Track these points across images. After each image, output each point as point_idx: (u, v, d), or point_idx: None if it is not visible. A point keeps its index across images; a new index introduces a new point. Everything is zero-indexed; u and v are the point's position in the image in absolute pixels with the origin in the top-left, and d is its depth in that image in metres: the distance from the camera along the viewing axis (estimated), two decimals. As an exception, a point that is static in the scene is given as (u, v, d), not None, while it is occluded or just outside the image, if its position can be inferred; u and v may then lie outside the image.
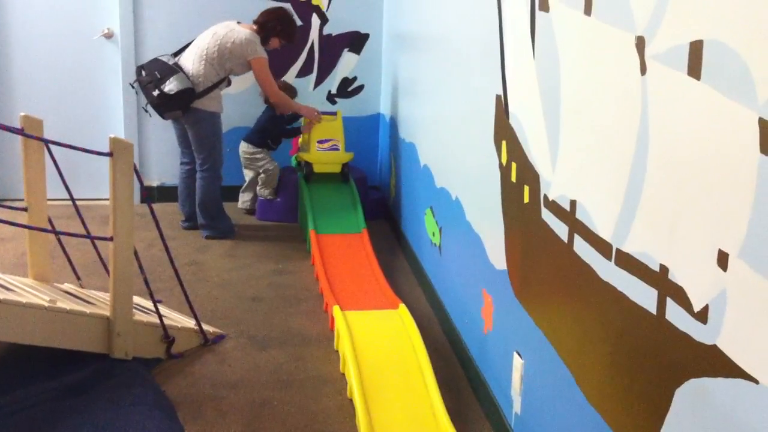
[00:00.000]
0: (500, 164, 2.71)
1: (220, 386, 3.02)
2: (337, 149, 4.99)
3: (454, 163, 3.44)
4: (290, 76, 5.40)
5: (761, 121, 1.28)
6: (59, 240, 3.41)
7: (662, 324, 1.62)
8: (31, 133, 3.05)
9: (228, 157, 5.04)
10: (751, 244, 1.32)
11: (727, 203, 1.38)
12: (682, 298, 1.54)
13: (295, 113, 5.04)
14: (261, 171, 5.12)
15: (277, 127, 5.07)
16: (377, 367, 3.01)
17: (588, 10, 1.95)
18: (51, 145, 3.05)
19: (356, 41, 5.49)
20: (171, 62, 4.55)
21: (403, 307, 3.47)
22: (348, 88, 5.56)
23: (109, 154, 2.82)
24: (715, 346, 1.43)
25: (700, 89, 1.45)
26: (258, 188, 5.20)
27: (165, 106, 4.48)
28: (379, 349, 3.15)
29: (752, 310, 1.32)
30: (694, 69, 1.47)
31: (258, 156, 5.09)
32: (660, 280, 1.62)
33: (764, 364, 1.30)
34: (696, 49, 1.46)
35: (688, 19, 1.50)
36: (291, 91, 5.19)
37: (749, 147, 1.31)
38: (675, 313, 1.57)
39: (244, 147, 5.14)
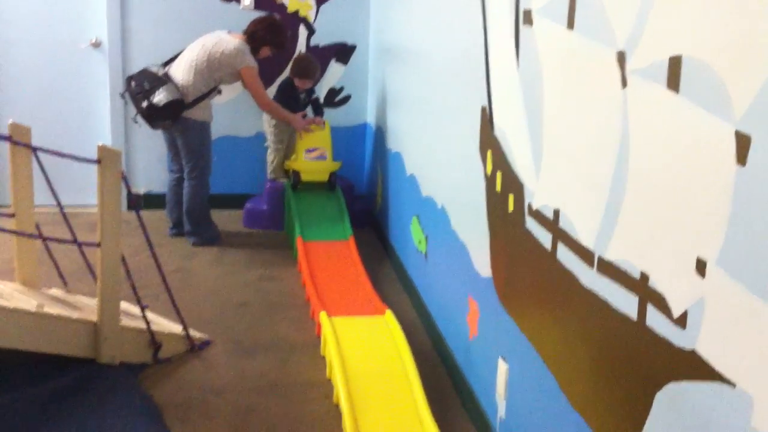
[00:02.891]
0: (485, 174, 2.76)
1: (207, 391, 3.04)
2: (324, 158, 5.02)
3: (440, 173, 3.48)
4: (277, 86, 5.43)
5: (737, 133, 1.33)
6: (46, 246, 3.42)
7: (643, 330, 1.66)
8: (19, 140, 3.07)
9: (216, 166, 5.06)
10: (728, 252, 1.37)
11: (705, 212, 1.43)
12: (662, 304, 1.58)
13: (310, 92, 5.11)
14: (267, 145, 5.20)
15: (287, 97, 4.99)
16: (364, 372, 3.04)
17: (571, 25, 2.00)
18: (39, 152, 3.07)
19: (343, 52, 5.53)
20: (160, 73, 4.57)
21: (389, 313, 3.50)
22: (335, 98, 5.60)
23: (97, 162, 2.85)
24: (693, 351, 1.47)
25: (679, 102, 1.50)
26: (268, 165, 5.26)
27: (154, 116, 4.50)
28: (366, 355, 3.18)
29: (729, 316, 1.37)
30: (673, 83, 1.52)
31: (270, 129, 5.12)
32: (641, 287, 1.67)
33: (741, 367, 1.34)
34: (675, 64, 1.51)
35: (667, 36, 1.55)
36: (312, 69, 5.03)
37: (726, 158, 1.36)
38: (655, 319, 1.61)
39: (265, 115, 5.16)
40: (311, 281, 3.99)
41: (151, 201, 5.43)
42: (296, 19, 5.38)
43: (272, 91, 5.19)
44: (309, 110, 5.46)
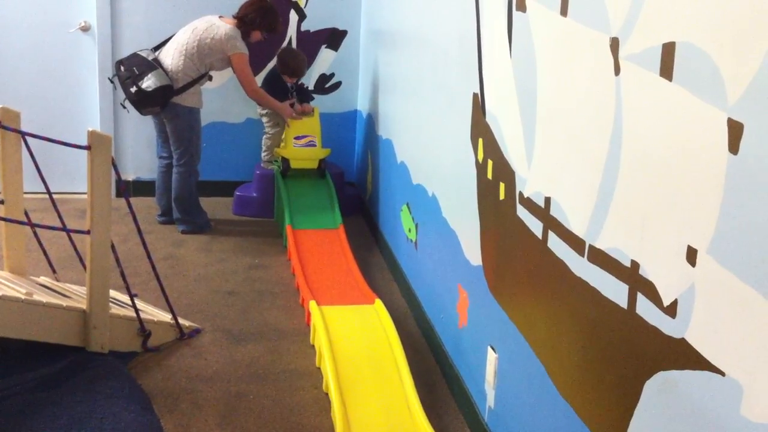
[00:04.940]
0: (477, 161, 2.75)
1: (196, 379, 3.03)
2: (314, 145, 5.00)
3: (431, 160, 3.47)
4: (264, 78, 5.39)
5: (730, 121, 1.32)
6: (35, 233, 3.40)
7: (633, 318, 1.66)
8: (8, 125, 3.04)
9: (206, 152, 5.03)
10: (719, 240, 1.36)
11: (696, 201, 1.43)
12: (652, 292, 1.58)
13: (299, 82, 5.08)
14: (263, 131, 5.16)
15: (273, 86, 4.99)
16: (353, 361, 3.04)
17: (564, 11, 1.99)
18: (28, 138, 3.04)
19: (334, 38, 5.50)
20: (150, 57, 4.53)
21: (378, 302, 3.50)
22: (325, 85, 5.57)
23: (87, 148, 2.82)
24: (683, 340, 1.47)
25: (672, 90, 1.49)
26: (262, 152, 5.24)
27: (142, 102, 4.46)
28: (355, 344, 3.18)
29: (719, 305, 1.37)
30: (666, 70, 1.51)
31: (263, 113, 5.10)
32: (631, 275, 1.67)
33: (730, 356, 1.34)
34: (668, 51, 1.50)
35: (661, 22, 1.54)
36: (302, 67, 5.05)
37: (718, 146, 1.35)
38: (645, 308, 1.61)
39: None
40: (301, 270, 3.98)
41: (140, 188, 5.40)
42: (287, 3, 5.34)
43: (261, 77, 5.16)
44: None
